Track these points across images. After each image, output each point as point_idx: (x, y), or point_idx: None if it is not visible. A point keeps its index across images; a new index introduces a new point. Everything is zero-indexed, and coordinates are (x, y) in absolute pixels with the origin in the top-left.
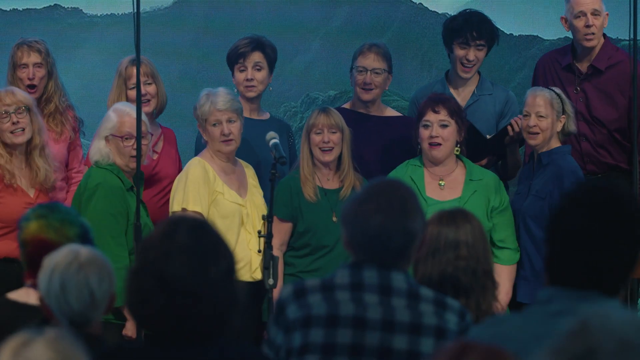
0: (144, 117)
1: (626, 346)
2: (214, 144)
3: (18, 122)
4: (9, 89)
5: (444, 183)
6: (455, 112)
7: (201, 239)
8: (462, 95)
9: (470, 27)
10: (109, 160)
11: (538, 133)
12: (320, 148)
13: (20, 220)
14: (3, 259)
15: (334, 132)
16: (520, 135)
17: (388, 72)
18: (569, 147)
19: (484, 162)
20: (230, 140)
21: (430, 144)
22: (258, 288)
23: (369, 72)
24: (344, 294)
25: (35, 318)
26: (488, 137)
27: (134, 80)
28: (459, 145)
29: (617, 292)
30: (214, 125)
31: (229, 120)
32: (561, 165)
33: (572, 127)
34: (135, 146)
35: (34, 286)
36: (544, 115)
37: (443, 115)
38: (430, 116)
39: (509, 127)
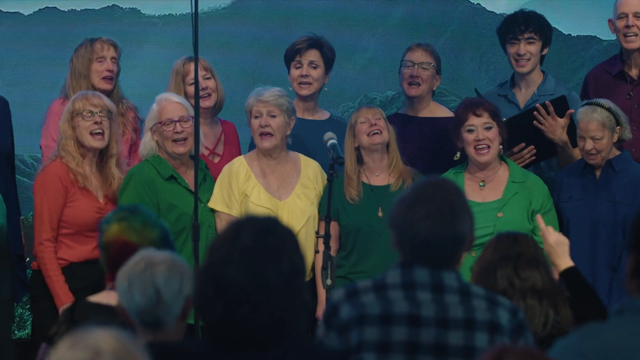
0: (182, 101)
1: None
2: (255, 139)
3: (101, 122)
4: (96, 93)
5: (484, 183)
6: (496, 114)
7: (262, 242)
8: (524, 95)
9: (517, 21)
10: (152, 153)
11: (596, 154)
12: (368, 134)
13: (101, 223)
14: (84, 262)
15: (378, 118)
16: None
17: (436, 71)
18: (629, 152)
19: (516, 149)
20: (268, 134)
21: (477, 148)
22: None
23: (416, 66)
24: (397, 293)
25: (117, 319)
26: (504, 119)
27: (192, 75)
28: (502, 147)
29: None
30: (256, 117)
31: (270, 114)
32: (637, 171)
33: (627, 134)
34: (176, 129)
35: (115, 289)
36: (599, 138)
37: (486, 118)
38: (474, 120)
39: (535, 112)
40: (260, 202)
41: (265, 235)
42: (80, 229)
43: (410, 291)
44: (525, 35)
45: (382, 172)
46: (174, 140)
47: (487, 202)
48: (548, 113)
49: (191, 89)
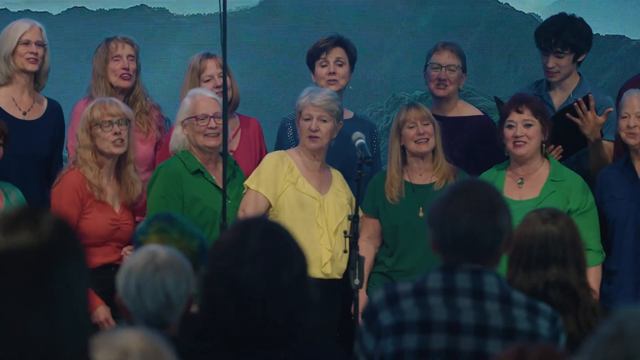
0: (216, 97)
1: None
2: (301, 138)
3: (120, 132)
4: (113, 100)
5: (522, 182)
6: (539, 111)
7: (272, 243)
8: (559, 97)
9: (548, 34)
10: (184, 147)
11: (637, 133)
12: (415, 141)
13: (136, 235)
14: (98, 268)
15: (426, 124)
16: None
17: (462, 70)
18: None
19: (553, 149)
20: (316, 137)
21: (515, 143)
22: (328, 284)
23: (443, 69)
24: (437, 299)
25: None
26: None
27: (208, 72)
28: (544, 144)
29: None
30: (306, 119)
31: (321, 119)
32: None
33: None
34: (210, 125)
35: None
36: None
37: (527, 115)
38: (514, 116)
39: (576, 105)
40: (305, 190)
41: (271, 237)
42: (94, 240)
43: (451, 297)
44: (554, 50)
45: (426, 172)
46: (206, 135)
47: (524, 200)
48: (588, 108)
49: (206, 86)
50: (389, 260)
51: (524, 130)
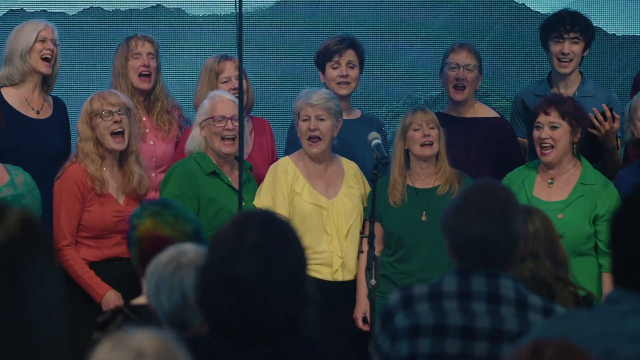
0: (235, 99)
1: None
2: (302, 142)
3: (121, 121)
4: (112, 91)
5: (552, 181)
6: (569, 112)
7: (270, 237)
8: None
9: (562, 20)
10: (200, 149)
11: None
12: (420, 144)
13: (131, 219)
14: (103, 261)
15: (432, 128)
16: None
17: (479, 71)
18: None
19: None
20: (316, 139)
21: (542, 146)
22: (340, 286)
23: (461, 68)
24: (452, 303)
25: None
26: None
27: (226, 73)
28: (575, 146)
29: None
30: (304, 120)
31: (319, 118)
32: None
33: None
34: (227, 127)
35: None
36: None
37: (553, 117)
38: (542, 118)
39: (592, 116)
40: (311, 200)
41: (269, 230)
42: (98, 233)
43: (466, 302)
44: (571, 35)
45: (429, 177)
46: (223, 138)
47: (551, 202)
48: (605, 118)
49: (223, 87)
50: (390, 264)
51: (549, 132)
